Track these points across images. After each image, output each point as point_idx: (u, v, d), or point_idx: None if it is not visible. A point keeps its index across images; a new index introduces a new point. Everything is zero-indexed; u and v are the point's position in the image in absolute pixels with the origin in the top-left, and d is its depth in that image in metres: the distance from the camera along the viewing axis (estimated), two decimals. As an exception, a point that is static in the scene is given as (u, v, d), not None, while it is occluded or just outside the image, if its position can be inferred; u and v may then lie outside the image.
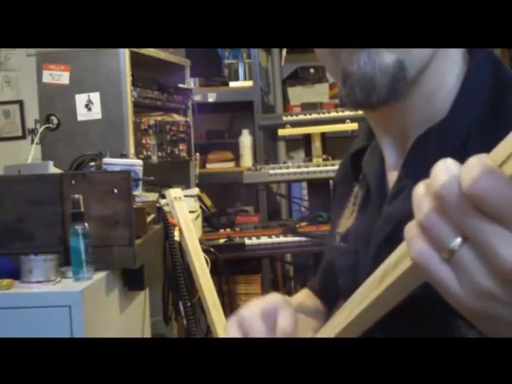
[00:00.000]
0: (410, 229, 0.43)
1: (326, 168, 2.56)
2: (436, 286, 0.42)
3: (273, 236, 2.53)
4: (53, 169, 1.66)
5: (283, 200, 3.47)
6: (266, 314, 0.71)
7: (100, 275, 1.42)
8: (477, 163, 0.38)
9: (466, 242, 0.40)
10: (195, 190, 2.59)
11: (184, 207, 2.13)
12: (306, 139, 2.85)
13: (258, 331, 0.70)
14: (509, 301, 0.39)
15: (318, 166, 2.59)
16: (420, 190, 0.42)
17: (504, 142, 0.38)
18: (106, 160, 1.79)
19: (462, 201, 0.39)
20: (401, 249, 0.47)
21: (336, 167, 0.95)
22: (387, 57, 0.63)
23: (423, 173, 0.45)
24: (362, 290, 0.54)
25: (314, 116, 2.74)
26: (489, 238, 0.38)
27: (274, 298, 0.74)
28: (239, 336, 0.71)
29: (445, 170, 0.40)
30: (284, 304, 0.72)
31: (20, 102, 3.76)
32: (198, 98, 2.96)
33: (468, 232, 0.39)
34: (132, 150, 2.05)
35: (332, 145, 2.83)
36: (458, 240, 0.40)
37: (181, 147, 2.51)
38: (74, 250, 1.36)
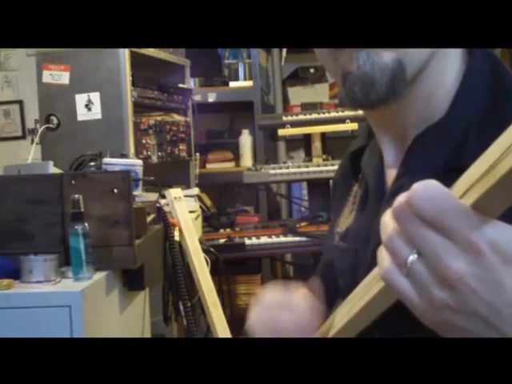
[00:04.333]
0: (380, 249, 0.47)
1: (326, 168, 2.55)
2: (402, 300, 0.45)
3: (273, 236, 2.53)
4: (53, 169, 1.66)
5: (283, 200, 3.47)
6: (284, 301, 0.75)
7: (100, 275, 1.42)
8: (419, 182, 0.42)
9: (420, 256, 0.43)
10: (195, 190, 2.59)
11: (184, 207, 2.13)
12: (306, 139, 2.85)
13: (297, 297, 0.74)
14: (462, 310, 0.42)
15: (318, 165, 2.59)
16: (385, 216, 0.46)
17: (466, 174, 0.42)
18: (106, 160, 1.79)
19: (411, 217, 0.43)
20: None
21: (336, 167, 0.95)
22: (386, 56, 0.63)
23: (422, 171, 0.45)
24: (360, 288, 0.54)
25: (314, 116, 2.74)
26: (433, 248, 0.42)
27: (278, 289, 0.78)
28: (267, 329, 0.73)
29: (400, 196, 0.44)
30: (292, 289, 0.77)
31: (20, 102, 3.76)
32: (198, 98, 2.96)
33: (418, 245, 0.43)
34: (132, 149, 2.05)
35: (332, 145, 2.83)
36: (413, 255, 0.43)
37: (181, 147, 2.51)
38: (73, 250, 1.36)
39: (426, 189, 0.42)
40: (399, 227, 0.44)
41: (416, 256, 0.43)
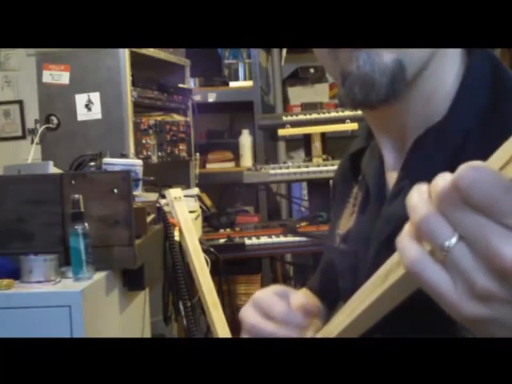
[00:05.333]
0: (402, 237, 0.42)
1: (326, 168, 2.55)
2: (431, 292, 0.41)
3: (273, 236, 2.53)
4: (53, 169, 1.66)
5: (283, 200, 3.47)
6: (280, 296, 0.74)
7: (100, 275, 1.42)
8: (467, 163, 0.38)
9: (462, 240, 0.39)
10: (195, 190, 2.59)
11: (184, 207, 2.13)
12: (306, 139, 2.85)
13: (279, 309, 0.72)
14: (509, 299, 0.38)
15: (318, 165, 2.59)
16: (415, 195, 0.42)
17: (503, 147, 0.38)
18: (106, 160, 1.79)
19: (456, 198, 0.38)
20: None
21: (336, 167, 0.95)
22: (386, 56, 0.63)
23: (422, 174, 0.44)
24: (364, 289, 0.54)
25: (314, 116, 2.74)
26: (486, 234, 0.38)
27: (280, 286, 0.77)
28: (257, 318, 0.73)
29: (441, 176, 0.40)
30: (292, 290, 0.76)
31: (20, 102, 3.77)
32: (198, 98, 2.96)
33: (464, 229, 0.39)
34: (132, 150, 2.05)
35: (332, 145, 2.83)
36: (453, 238, 0.39)
37: (181, 147, 2.51)
38: (73, 250, 1.36)
39: (477, 172, 0.37)
40: (438, 210, 0.39)
41: (456, 239, 0.39)
